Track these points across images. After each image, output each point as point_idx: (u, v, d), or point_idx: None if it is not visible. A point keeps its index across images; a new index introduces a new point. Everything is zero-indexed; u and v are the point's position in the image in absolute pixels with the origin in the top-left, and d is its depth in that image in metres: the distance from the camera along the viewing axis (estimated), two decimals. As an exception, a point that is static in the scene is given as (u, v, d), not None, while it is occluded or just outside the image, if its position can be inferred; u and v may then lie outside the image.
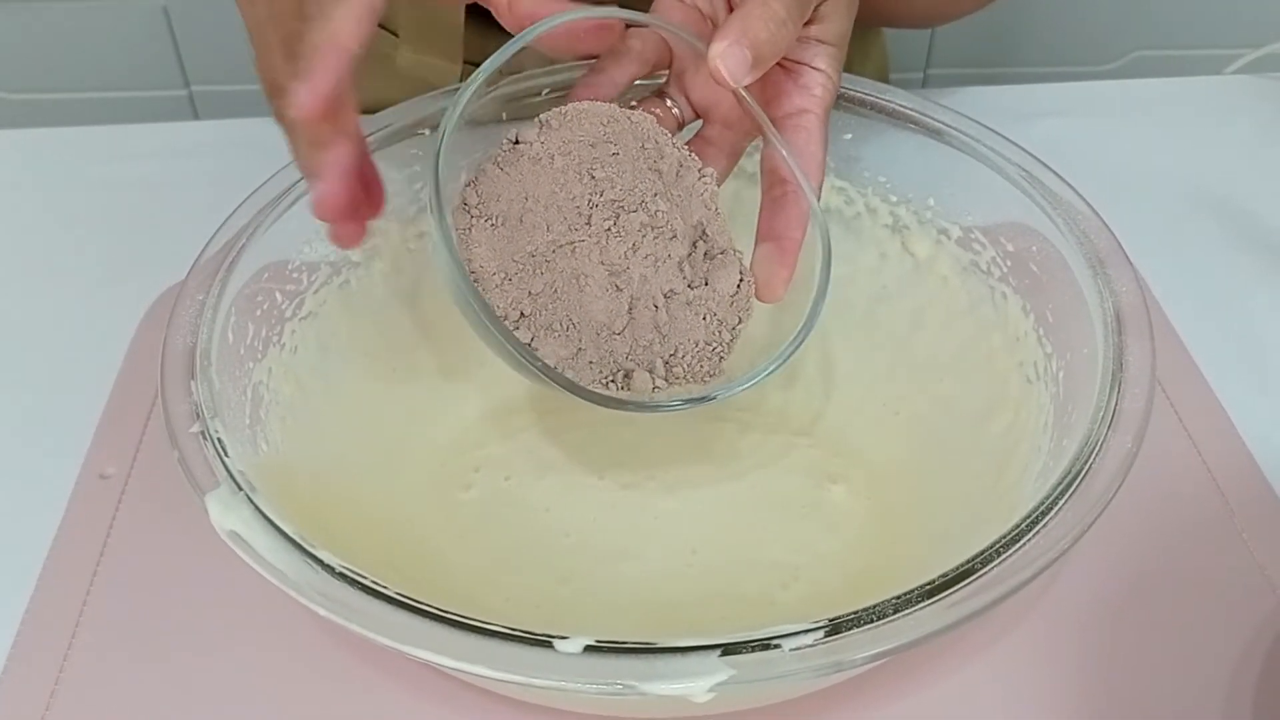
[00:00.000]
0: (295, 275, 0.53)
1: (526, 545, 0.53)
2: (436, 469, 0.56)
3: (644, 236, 0.45)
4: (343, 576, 0.39)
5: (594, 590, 0.51)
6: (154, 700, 0.48)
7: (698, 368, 0.46)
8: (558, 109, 0.46)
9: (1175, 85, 0.83)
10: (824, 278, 0.47)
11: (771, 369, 0.46)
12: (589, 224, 0.44)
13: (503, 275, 0.44)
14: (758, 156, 0.58)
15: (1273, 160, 0.76)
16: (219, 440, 0.44)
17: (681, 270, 0.46)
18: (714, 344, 0.46)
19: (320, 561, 0.40)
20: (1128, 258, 0.49)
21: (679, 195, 0.47)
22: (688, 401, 0.45)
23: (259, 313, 0.51)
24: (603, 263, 0.44)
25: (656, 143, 0.47)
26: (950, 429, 0.55)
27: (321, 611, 0.38)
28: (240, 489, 0.42)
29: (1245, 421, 0.58)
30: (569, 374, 0.44)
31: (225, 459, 0.43)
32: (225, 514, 0.41)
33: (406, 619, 0.38)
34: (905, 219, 0.57)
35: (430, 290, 0.57)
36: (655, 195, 0.45)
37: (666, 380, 0.45)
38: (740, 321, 0.47)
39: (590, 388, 0.44)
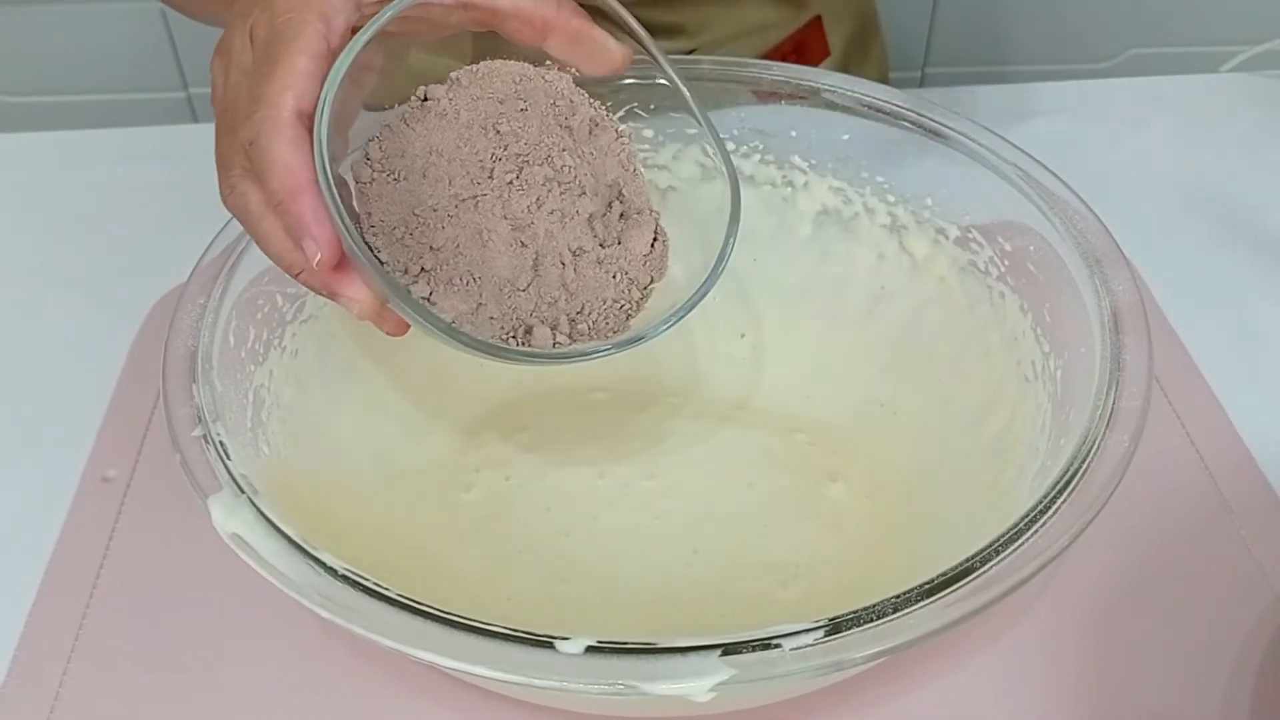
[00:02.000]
0: (296, 278, 0.53)
1: (527, 545, 0.53)
2: (437, 470, 0.56)
3: (549, 191, 0.45)
4: (345, 578, 0.39)
5: (595, 589, 0.51)
6: (157, 702, 0.49)
7: (603, 325, 0.46)
8: (469, 67, 0.46)
9: (1171, 83, 0.84)
10: (735, 206, 0.47)
11: (687, 310, 0.46)
12: (491, 177, 0.44)
13: (404, 229, 0.43)
14: (753, 158, 0.59)
15: (1269, 158, 0.76)
16: (221, 443, 0.44)
17: (592, 227, 0.46)
18: (622, 302, 0.46)
19: (322, 563, 0.40)
20: (1125, 256, 0.49)
21: (591, 153, 0.46)
22: (615, 346, 0.45)
23: (260, 316, 0.51)
24: (505, 217, 0.44)
25: (570, 101, 0.46)
26: (948, 428, 0.55)
27: (324, 613, 0.38)
28: (242, 492, 0.42)
29: (1242, 419, 0.59)
30: (467, 328, 0.44)
31: (227, 462, 0.43)
32: (228, 517, 0.41)
33: (408, 620, 0.38)
34: (903, 219, 0.58)
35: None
36: (563, 150, 0.45)
37: (570, 337, 0.45)
38: (652, 281, 0.47)
39: (489, 341, 0.44)
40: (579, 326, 0.45)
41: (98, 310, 0.66)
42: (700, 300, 0.46)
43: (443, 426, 0.58)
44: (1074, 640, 0.50)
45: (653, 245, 0.47)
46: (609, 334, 0.46)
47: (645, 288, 0.47)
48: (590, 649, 0.37)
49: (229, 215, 0.52)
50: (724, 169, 0.48)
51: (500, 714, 0.48)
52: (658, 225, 0.47)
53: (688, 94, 0.49)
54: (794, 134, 0.58)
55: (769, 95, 0.58)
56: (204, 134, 0.82)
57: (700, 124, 0.49)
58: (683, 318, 0.46)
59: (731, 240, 0.47)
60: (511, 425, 0.58)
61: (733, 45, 0.77)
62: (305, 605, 0.39)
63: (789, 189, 0.59)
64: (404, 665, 0.49)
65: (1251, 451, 0.57)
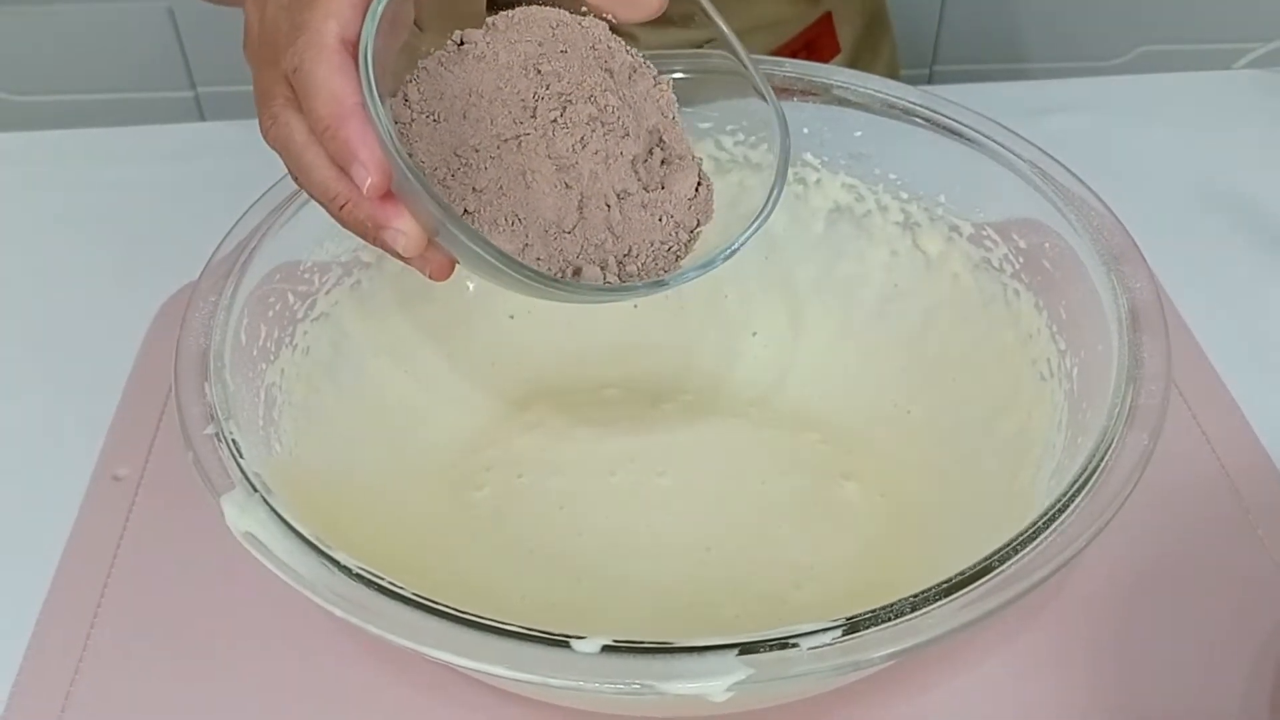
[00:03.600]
0: (307, 276, 0.53)
1: (540, 543, 0.53)
2: (449, 468, 0.56)
3: (593, 131, 0.44)
4: (359, 577, 0.39)
5: (608, 588, 0.51)
6: (169, 701, 0.48)
7: (652, 266, 0.45)
8: (504, 13, 0.45)
9: (1184, 80, 0.83)
10: (784, 157, 0.46)
11: (736, 248, 0.45)
12: (534, 116, 0.43)
13: (445, 170, 0.43)
14: (761, 148, 0.58)
15: (1283, 155, 0.76)
16: (233, 442, 0.44)
17: (636, 171, 0.45)
18: (670, 244, 0.45)
19: (337, 562, 0.40)
20: (1141, 254, 0.49)
21: (632, 97, 0.46)
22: (648, 286, 0.44)
23: (271, 314, 0.51)
24: (550, 157, 0.43)
25: (609, 47, 0.46)
26: (962, 427, 0.54)
27: (338, 612, 0.38)
28: (255, 490, 0.42)
29: (1258, 417, 0.58)
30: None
31: (240, 460, 0.43)
32: (241, 516, 0.41)
33: (423, 619, 0.38)
34: (916, 216, 0.57)
35: (442, 290, 0.57)
36: (605, 90, 0.44)
37: (620, 278, 0.45)
38: (699, 224, 0.46)
39: (543, 273, 0.43)
40: (627, 268, 0.45)
41: (108, 308, 0.66)
42: (744, 243, 0.45)
43: (454, 424, 0.57)
44: (1090, 639, 0.50)
45: (696, 190, 0.46)
46: (658, 274, 0.45)
47: (692, 230, 0.46)
48: (606, 648, 0.37)
49: (240, 213, 0.52)
50: (772, 105, 0.47)
51: (513, 713, 0.48)
52: (700, 170, 0.46)
53: (729, 34, 0.48)
54: (806, 131, 0.58)
55: (781, 91, 0.58)
56: (212, 132, 0.83)
57: (742, 64, 0.47)
58: (724, 261, 0.45)
59: (782, 179, 0.46)
60: (523, 423, 0.58)
61: (745, 40, 0.76)
62: (319, 604, 0.39)
63: (801, 186, 0.59)
64: (415, 663, 0.49)
65: (1267, 449, 0.57)
